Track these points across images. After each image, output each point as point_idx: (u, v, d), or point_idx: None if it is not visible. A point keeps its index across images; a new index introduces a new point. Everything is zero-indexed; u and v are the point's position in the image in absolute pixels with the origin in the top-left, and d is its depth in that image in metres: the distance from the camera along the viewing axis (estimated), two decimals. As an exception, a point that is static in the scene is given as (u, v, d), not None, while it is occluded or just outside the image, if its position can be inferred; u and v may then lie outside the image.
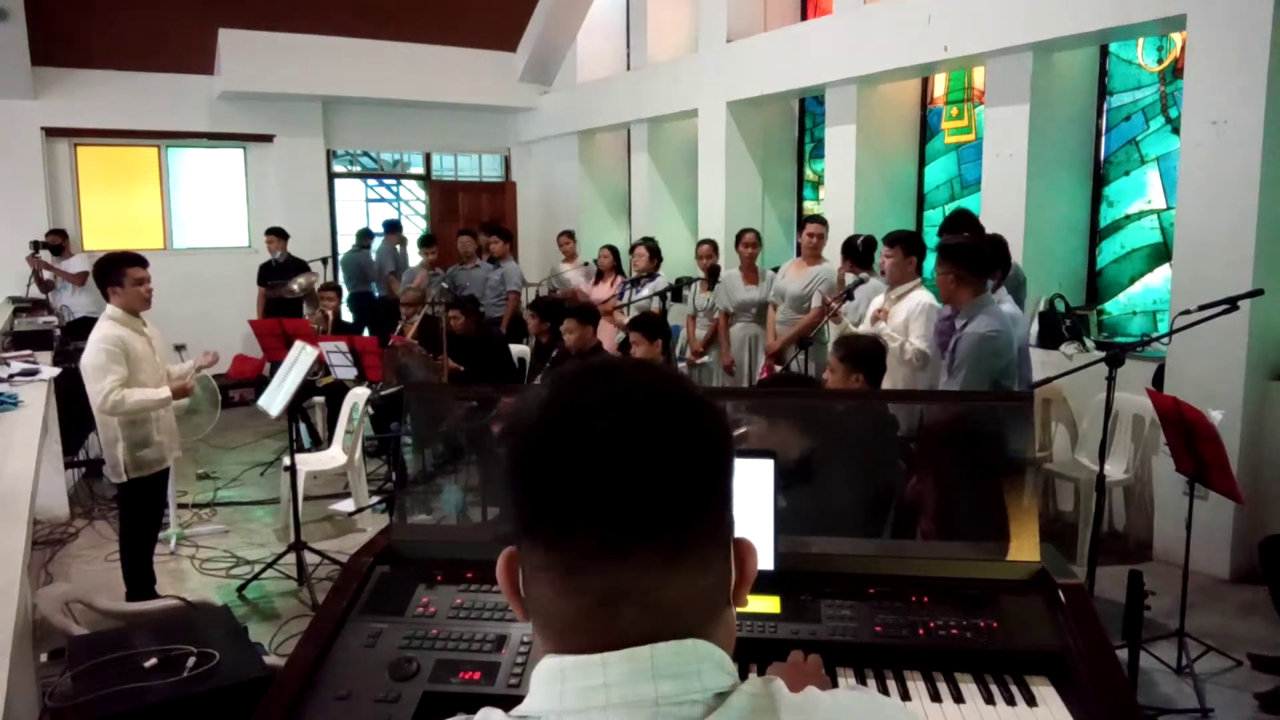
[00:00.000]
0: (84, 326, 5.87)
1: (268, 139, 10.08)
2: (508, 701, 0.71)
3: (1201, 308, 3.66)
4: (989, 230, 4.81)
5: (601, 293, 7.29)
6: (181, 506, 5.59)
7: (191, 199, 10.10)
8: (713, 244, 6.74)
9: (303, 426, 7.13)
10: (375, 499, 5.70)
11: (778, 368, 5.60)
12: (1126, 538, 5.12)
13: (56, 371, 5.30)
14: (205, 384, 5.64)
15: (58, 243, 8.53)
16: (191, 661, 2.56)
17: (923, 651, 1.67)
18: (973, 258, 3.84)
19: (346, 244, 10.33)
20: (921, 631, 1.69)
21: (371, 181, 11.55)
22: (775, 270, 6.38)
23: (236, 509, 5.89)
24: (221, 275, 9.55)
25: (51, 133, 9.16)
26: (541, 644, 0.70)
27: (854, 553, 1.93)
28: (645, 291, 6.64)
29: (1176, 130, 5.25)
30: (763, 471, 1.78)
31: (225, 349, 4.71)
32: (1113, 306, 5.99)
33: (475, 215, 10.79)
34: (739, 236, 6.31)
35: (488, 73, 10.53)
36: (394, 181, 11.70)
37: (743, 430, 2.37)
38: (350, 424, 5.71)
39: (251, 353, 8.31)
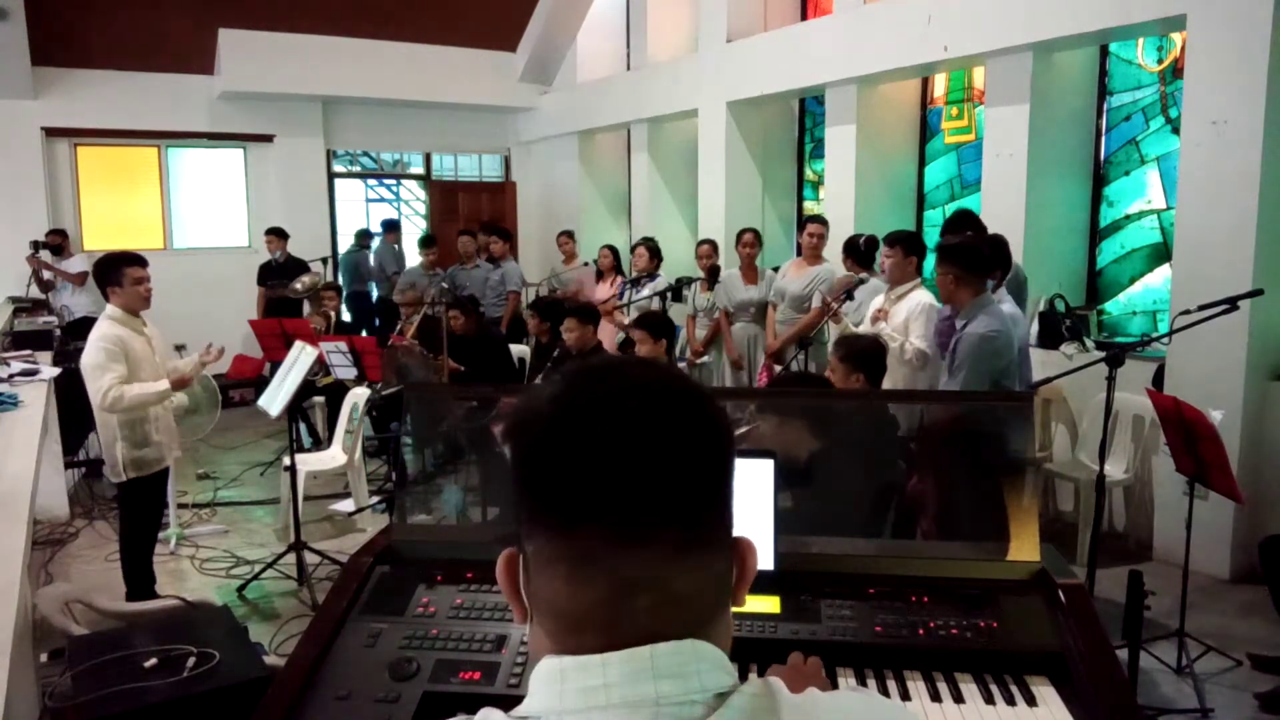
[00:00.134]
0: (84, 326, 5.86)
1: (268, 139, 10.08)
2: (508, 702, 0.71)
3: (1201, 308, 3.66)
4: (989, 230, 4.81)
5: (602, 293, 7.29)
6: (181, 506, 5.59)
7: (191, 199, 10.10)
8: (713, 244, 6.74)
9: (303, 426, 7.13)
10: (375, 499, 5.70)
11: (777, 368, 5.60)
12: (1126, 538, 5.12)
13: (56, 371, 5.30)
14: (205, 384, 5.64)
15: (58, 243, 8.53)
16: (191, 661, 2.57)
17: (923, 651, 1.67)
18: (972, 258, 3.84)
19: (346, 244, 10.32)
20: (921, 631, 1.69)
21: (371, 181, 11.55)
22: (775, 270, 6.38)
23: (236, 509, 5.89)
24: (221, 275, 9.55)
25: (51, 133, 9.16)
26: (545, 644, 0.70)
27: (854, 553, 1.93)
28: (645, 291, 6.65)
29: (1176, 130, 5.25)
30: (763, 471, 1.78)
31: (225, 349, 4.72)
32: (1113, 306, 5.98)
33: (475, 215, 10.78)
34: (739, 236, 6.30)
35: (488, 73, 10.52)
36: (394, 181, 11.69)
37: (744, 430, 2.37)
38: (350, 424, 5.71)
39: (251, 353, 8.32)
